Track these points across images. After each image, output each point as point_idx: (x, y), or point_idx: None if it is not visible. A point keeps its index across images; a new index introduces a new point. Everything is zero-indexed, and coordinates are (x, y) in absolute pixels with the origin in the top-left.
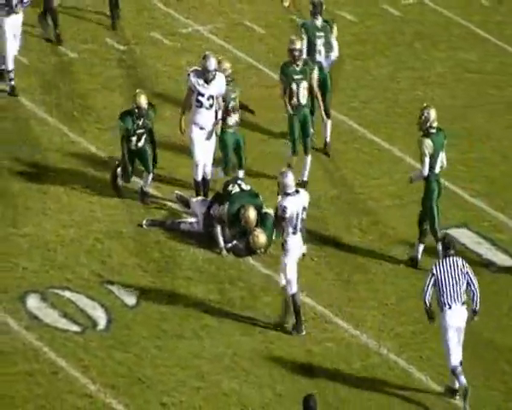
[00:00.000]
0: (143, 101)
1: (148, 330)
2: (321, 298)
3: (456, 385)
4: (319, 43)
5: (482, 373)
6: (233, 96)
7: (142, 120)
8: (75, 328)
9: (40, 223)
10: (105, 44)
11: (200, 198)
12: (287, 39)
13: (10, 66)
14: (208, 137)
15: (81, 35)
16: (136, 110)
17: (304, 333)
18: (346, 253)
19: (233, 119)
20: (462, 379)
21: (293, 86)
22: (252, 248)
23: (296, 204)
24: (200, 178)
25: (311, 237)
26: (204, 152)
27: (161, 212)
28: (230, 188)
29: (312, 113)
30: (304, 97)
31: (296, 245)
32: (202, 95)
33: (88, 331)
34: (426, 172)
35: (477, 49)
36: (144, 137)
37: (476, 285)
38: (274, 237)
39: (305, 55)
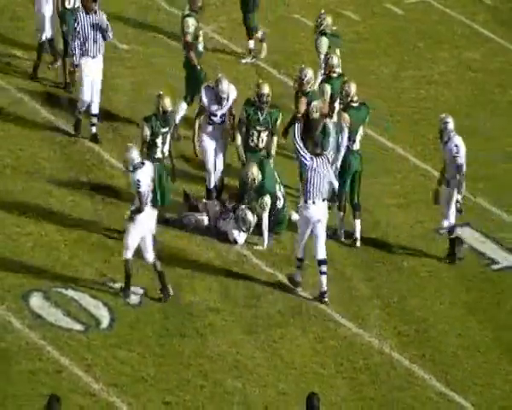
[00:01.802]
0: (168, 103)
1: (151, 328)
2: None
3: (299, 278)
4: None
5: (486, 372)
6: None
7: (166, 120)
8: (78, 327)
9: (44, 222)
10: (108, 44)
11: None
12: (289, 38)
13: (95, 110)
14: (221, 146)
15: None
16: (162, 114)
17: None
18: (349, 251)
19: None
20: (298, 277)
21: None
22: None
23: (146, 176)
24: (212, 185)
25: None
26: (217, 160)
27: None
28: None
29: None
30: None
31: (147, 216)
32: (215, 115)
33: (91, 330)
34: (344, 143)
35: (480, 48)
36: (168, 141)
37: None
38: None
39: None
